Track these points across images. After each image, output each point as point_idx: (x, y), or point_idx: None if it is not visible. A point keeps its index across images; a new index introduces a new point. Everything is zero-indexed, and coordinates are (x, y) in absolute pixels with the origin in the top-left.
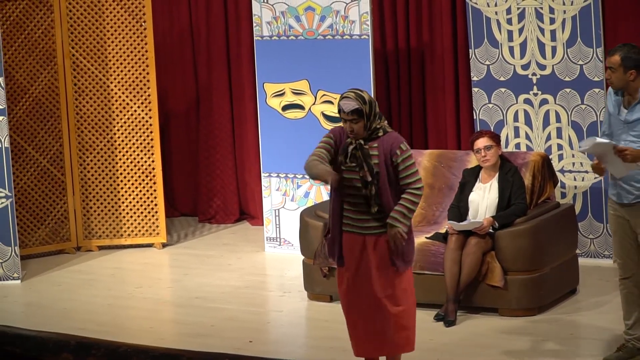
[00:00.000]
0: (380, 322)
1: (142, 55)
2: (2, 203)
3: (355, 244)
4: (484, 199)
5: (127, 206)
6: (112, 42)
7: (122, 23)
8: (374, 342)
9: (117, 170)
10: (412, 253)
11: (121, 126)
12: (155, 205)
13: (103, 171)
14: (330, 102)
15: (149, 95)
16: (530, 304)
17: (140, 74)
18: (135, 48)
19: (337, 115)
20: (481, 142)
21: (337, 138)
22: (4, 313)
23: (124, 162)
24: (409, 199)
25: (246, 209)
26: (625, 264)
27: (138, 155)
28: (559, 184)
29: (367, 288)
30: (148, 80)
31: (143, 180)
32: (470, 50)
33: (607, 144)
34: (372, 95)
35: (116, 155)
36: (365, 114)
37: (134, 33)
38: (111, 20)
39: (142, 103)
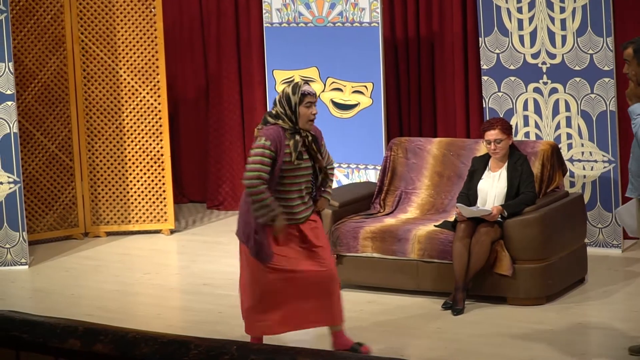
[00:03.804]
0: (334, 291)
1: (152, 41)
2: (10, 188)
3: (294, 234)
4: (492, 187)
5: (135, 192)
6: (122, 27)
7: (132, 9)
8: (325, 312)
9: (126, 157)
10: None
11: (130, 112)
12: (164, 191)
13: (111, 157)
14: (340, 90)
15: (158, 82)
16: (539, 293)
17: (149, 60)
18: (144, 34)
19: (346, 102)
20: (492, 135)
21: (276, 144)
22: (11, 298)
23: (132, 148)
24: (332, 178)
25: None
26: None
27: (147, 141)
28: (567, 173)
29: (322, 265)
30: (157, 67)
31: (151, 166)
32: (480, 39)
33: (626, 209)
34: (382, 84)
35: (125, 142)
36: None
37: (143, 19)
38: (120, 6)
39: (151, 89)
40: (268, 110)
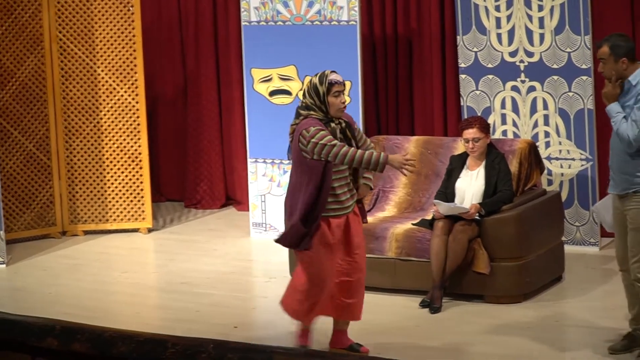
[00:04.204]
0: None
1: (130, 39)
2: None
3: (341, 225)
4: (470, 185)
5: (113, 191)
6: (100, 26)
7: (110, 7)
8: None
9: (104, 155)
10: None
11: (108, 111)
12: (142, 190)
13: (89, 156)
14: None
15: (136, 80)
16: (516, 291)
17: (127, 58)
18: (122, 32)
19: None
20: (470, 134)
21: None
22: None
23: (110, 147)
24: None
25: (232, 195)
26: (619, 255)
27: (125, 140)
28: (545, 171)
29: (356, 260)
30: (135, 65)
31: (129, 165)
32: (458, 37)
33: (602, 205)
34: (360, 82)
35: (102, 140)
36: None
37: (121, 17)
38: (99, 4)
39: (129, 88)
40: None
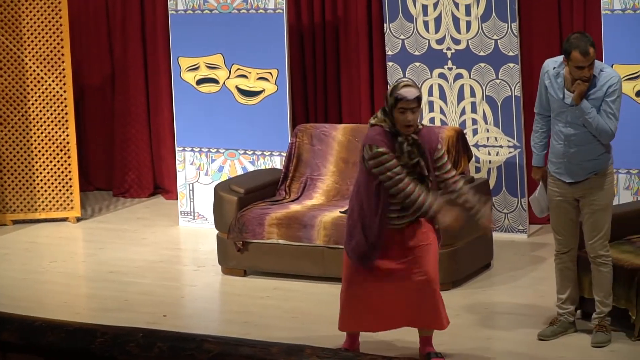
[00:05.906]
0: (430, 298)
1: (57, 29)
2: None
3: (397, 237)
4: None
5: (41, 180)
6: (27, 15)
7: None
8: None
9: (32, 144)
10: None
11: (35, 100)
12: (70, 179)
13: (17, 145)
14: (245, 77)
15: (63, 69)
16: (445, 278)
17: (55, 47)
18: (50, 22)
19: (251, 89)
20: None
21: (386, 146)
22: None
23: (38, 136)
24: (455, 187)
25: (161, 183)
26: (565, 239)
27: (52, 129)
28: (473, 158)
29: (415, 272)
30: (63, 54)
31: (57, 154)
32: (385, 25)
33: (540, 193)
34: (287, 70)
35: (30, 129)
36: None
37: (48, 6)
38: None
39: (56, 77)
40: None
